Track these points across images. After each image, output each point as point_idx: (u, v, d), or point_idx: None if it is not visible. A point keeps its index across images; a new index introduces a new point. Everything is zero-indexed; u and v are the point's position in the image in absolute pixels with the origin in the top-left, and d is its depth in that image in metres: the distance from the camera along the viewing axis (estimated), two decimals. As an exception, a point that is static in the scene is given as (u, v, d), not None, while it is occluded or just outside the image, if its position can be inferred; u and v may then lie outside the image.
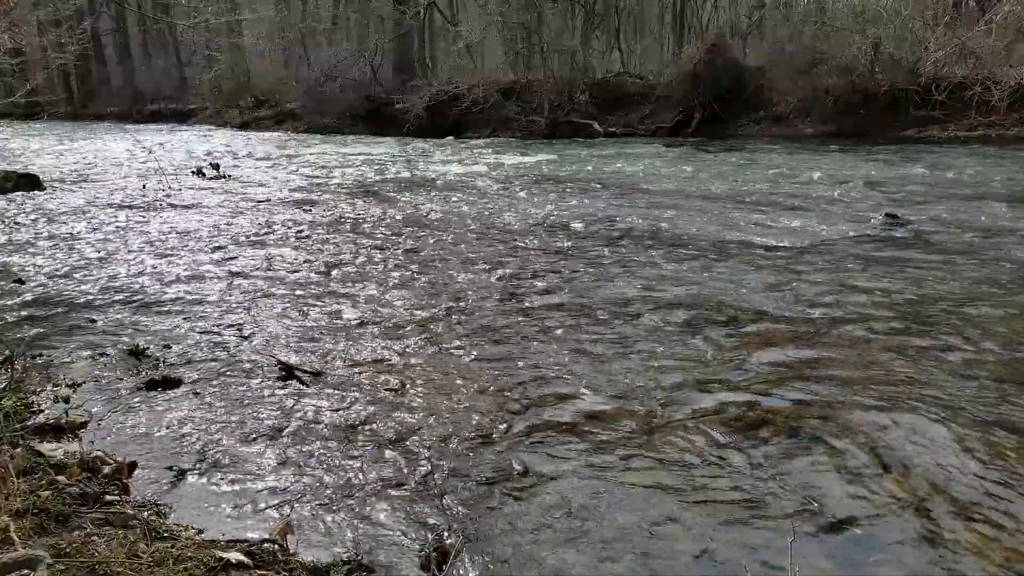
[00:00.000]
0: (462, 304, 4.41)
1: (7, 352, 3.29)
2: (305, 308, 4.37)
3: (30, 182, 9.77)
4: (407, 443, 2.70)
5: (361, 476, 2.47)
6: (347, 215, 7.72)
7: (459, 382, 3.25)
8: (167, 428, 2.81)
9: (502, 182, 10.44)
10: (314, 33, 29.28)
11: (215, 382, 3.26)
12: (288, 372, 3.33)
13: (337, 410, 2.98)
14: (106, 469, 2.37)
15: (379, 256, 5.76)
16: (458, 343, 3.75)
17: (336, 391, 3.17)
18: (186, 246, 6.18)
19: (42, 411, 2.89)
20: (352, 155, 15.63)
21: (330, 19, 30.96)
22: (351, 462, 2.57)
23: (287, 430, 2.80)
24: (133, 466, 2.45)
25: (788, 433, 2.73)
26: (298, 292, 4.72)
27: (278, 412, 2.96)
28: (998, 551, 2.05)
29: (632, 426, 2.80)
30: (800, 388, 3.11)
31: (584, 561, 2.03)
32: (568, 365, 3.42)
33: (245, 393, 3.15)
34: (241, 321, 4.13)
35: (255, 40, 30.08)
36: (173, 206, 8.47)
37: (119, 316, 4.23)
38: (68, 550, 1.79)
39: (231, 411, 2.97)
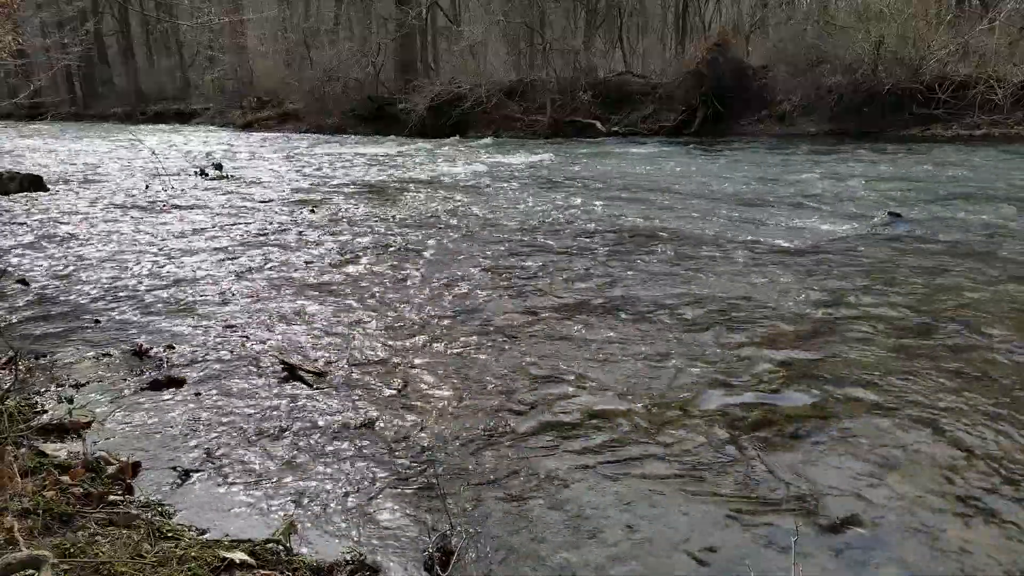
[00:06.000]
0: (465, 303, 4.42)
1: (11, 352, 3.30)
2: (308, 308, 4.38)
3: (33, 183, 9.80)
4: (410, 443, 2.70)
5: (364, 476, 2.48)
6: (350, 215, 7.73)
7: (462, 381, 3.26)
8: (171, 428, 2.82)
9: (505, 182, 10.43)
10: (316, 33, 29.29)
11: (218, 382, 3.27)
12: (291, 372, 3.33)
13: (340, 410, 2.98)
14: (110, 469, 2.38)
15: (382, 256, 5.76)
16: (461, 342, 3.75)
17: (339, 391, 3.17)
18: (189, 246, 6.19)
19: (46, 411, 2.90)
20: (354, 155, 15.65)
21: (332, 19, 30.98)
22: (354, 462, 2.57)
23: (290, 430, 2.81)
24: (137, 466, 2.46)
25: (792, 432, 2.72)
26: (301, 292, 4.73)
27: (281, 412, 2.96)
28: (1000, 551, 2.04)
29: (636, 425, 2.80)
30: (804, 387, 3.11)
31: (588, 561, 2.03)
32: (572, 364, 3.42)
33: (248, 393, 3.15)
34: (244, 321, 4.14)
35: (258, 40, 30.14)
36: (176, 207, 8.49)
37: (122, 316, 4.24)
38: (72, 550, 1.79)
39: (234, 411, 2.97)
